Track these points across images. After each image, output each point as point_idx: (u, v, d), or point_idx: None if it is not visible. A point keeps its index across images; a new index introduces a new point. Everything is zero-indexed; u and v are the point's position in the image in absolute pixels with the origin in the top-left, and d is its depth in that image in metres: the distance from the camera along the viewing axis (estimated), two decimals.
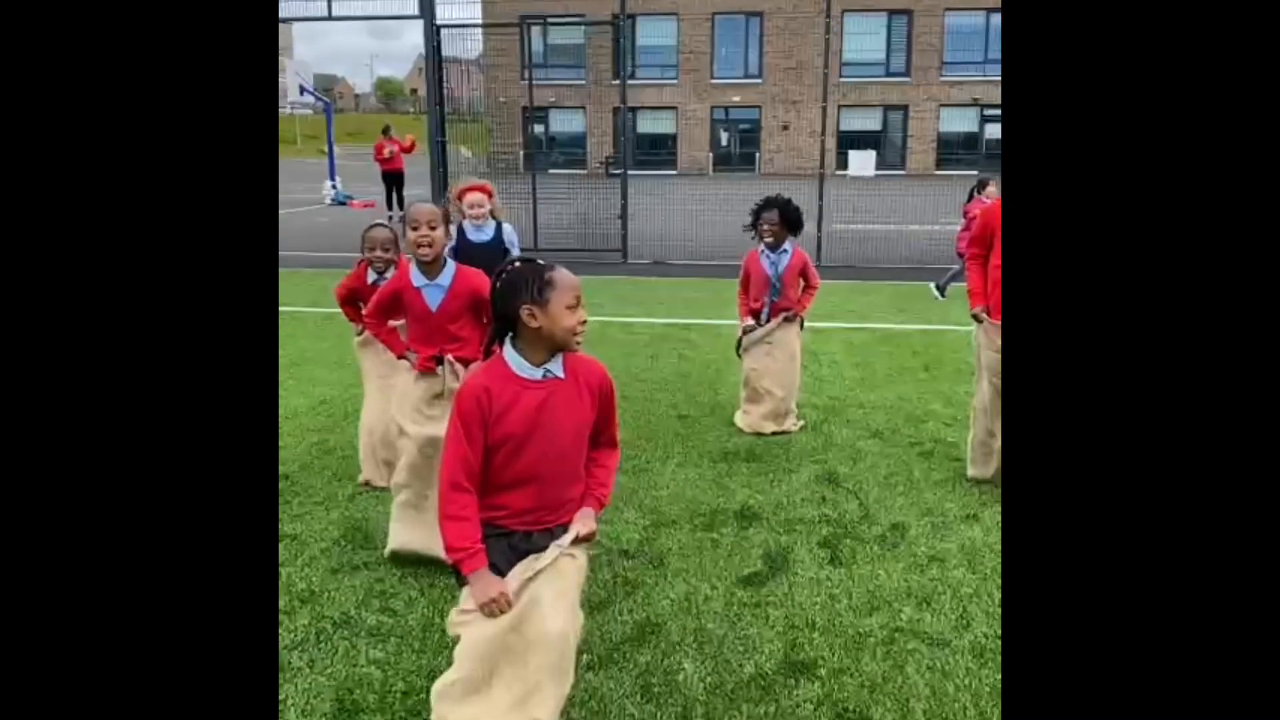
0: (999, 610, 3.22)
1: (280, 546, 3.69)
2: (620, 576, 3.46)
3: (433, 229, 3.40)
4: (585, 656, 2.90)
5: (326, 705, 2.66)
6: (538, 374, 2.19)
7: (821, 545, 3.76)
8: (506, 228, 5.13)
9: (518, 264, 2.21)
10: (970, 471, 4.45)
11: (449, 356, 3.48)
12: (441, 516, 2.15)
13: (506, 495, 2.21)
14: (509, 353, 2.21)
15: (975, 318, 4.35)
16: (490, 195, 5.06)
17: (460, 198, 5.03)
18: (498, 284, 2.19)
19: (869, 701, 2.70)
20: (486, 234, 5.02)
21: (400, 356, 3.66)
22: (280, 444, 4.94)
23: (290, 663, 2.87)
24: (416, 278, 3.47)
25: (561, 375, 2.22)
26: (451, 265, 3.51)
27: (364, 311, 3.94)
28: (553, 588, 2.16)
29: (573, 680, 2.24)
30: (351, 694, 2.71)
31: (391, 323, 3.76)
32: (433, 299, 3.47)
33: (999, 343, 4.06)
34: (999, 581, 3.43)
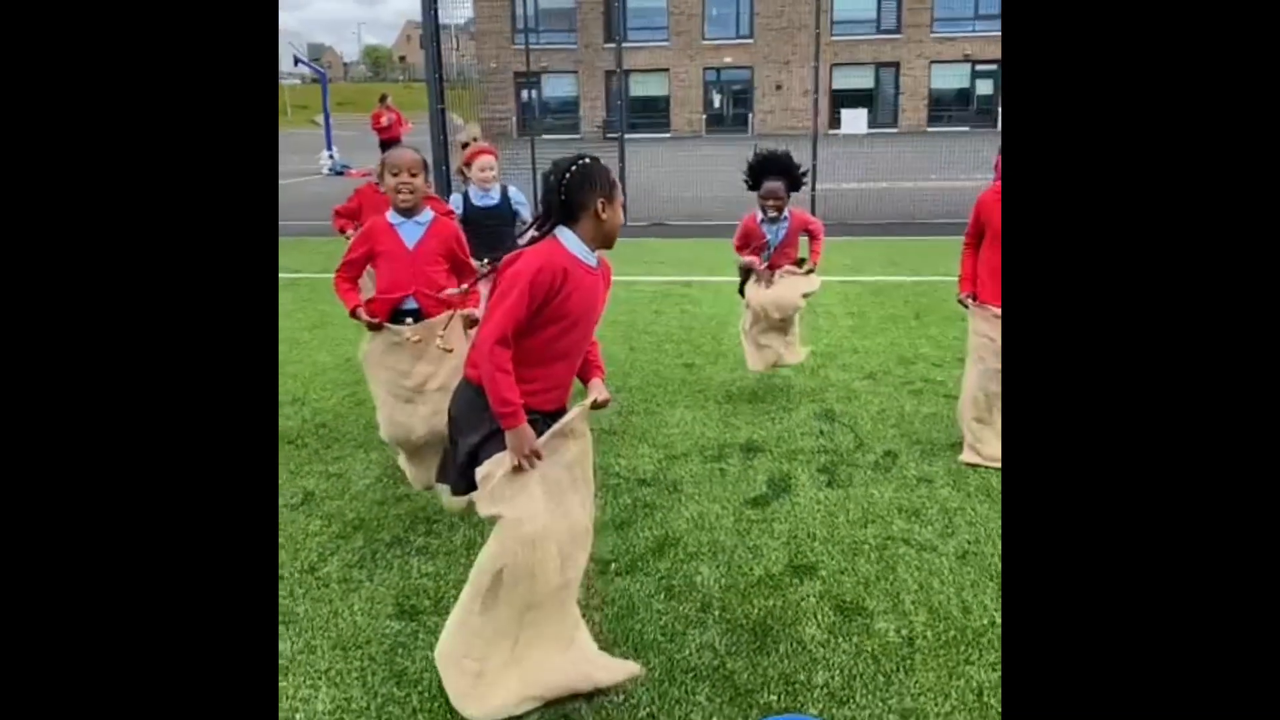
0: (982, 521, 3.60)
1: (327, 484, 4.05)
2: (640, 501, 3.82)
3: (414, 176, 3.38)
4: (613, 565, 3.27)
5: (389, 609, 3.03)
6: (593, 261, 2.42)
7: (820, 471, 4.13)
8: (512, 190, 5.18)
9: (585, 159, 2.38)
10: (963, 456, 4.23)
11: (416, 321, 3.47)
12: (492, 369, 2.26)
13: (542, 370, 2.39)
14: (570, 239, 2.37)
15: (961, 303, 4.36)
16: (497, 158, 5.14)
17: (469, 162, 5.11)
18: (567, 173, 2.33)
19: (864, 595, 3.08)
20: (493, 198, 5.06)
21: (351, 314, 3.53)
22: (314, 396, 5.29)
23: (351, 577, 3.24)
24: (393, 215, 3.46)
25: (596, 265, 2.46)
26: (430, 210, 3.52)
27: (337, 268, 3.64)
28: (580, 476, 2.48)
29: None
30: (410, 600, 3.08)
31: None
32: (410, 235, 3.44)
33: (985, 327, 4.12)
34: (981, 498, 3.81)
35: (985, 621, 2.91)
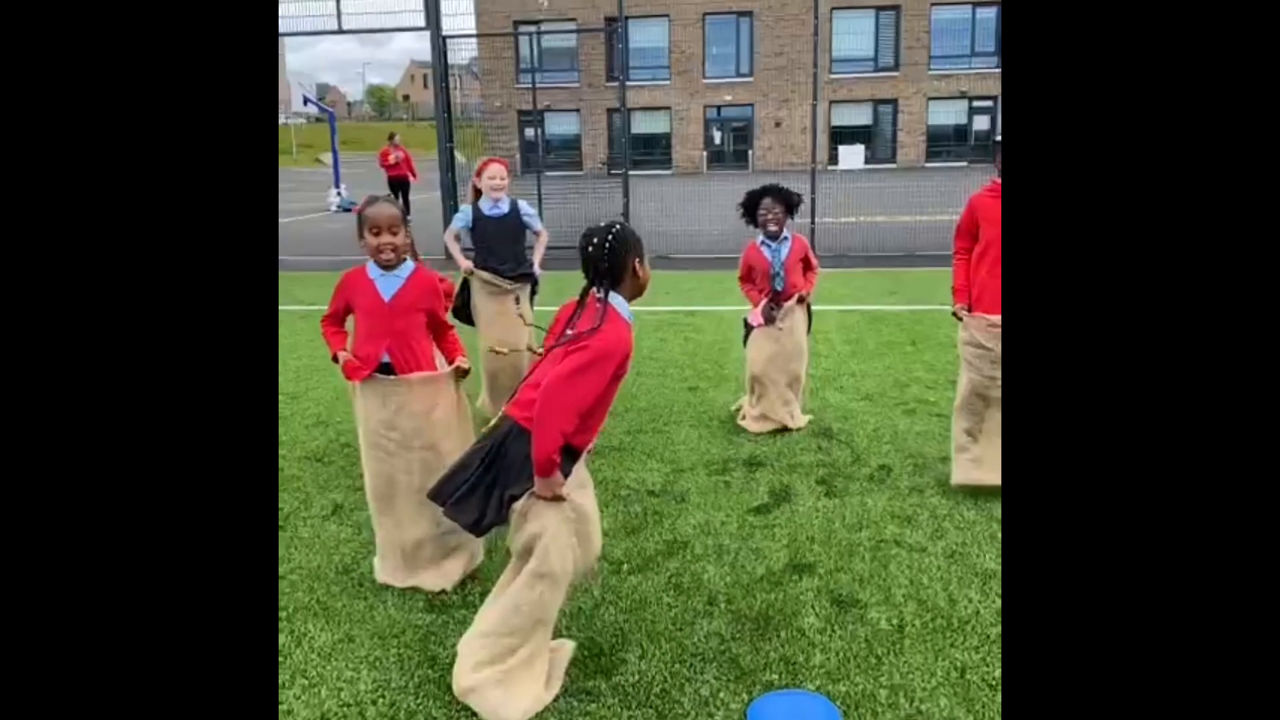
0: (969, 525, 3.85)
1: (355, 496, 4.30)
2: (649, 509, 4.08)
3: (394, 234, 3.23)
4: (624, 565, 3.53)
5: (420, 604, 3.27)
6: (630, 318, 2.65)
7: (819, 483, 4.40)
8: (522, 204, 5.31)
9: (616, 225, 2.60)
10: (954, 479, 4.25)
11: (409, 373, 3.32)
12: (558, 434, 2.42)
13: (595, 421, 2.59)
14: (623, 305, 2.59)
15: (955, 315, 4.27)
16: (509, 170, 5.26)
17: (480, 172, 5.21)
18: (607, 240, 2.55)
19: (859, 590, 3.33)
20: (503, 208, 5.20)
21: (333, 358, 3.42)
22: (337, 418, 5.56)
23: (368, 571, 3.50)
24: (371, 269, 3.31)
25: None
26: (411, 262, 3.37)
27: (322, 318, 3.52)
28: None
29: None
30: (441, 595, 3.33)
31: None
32: (387, 288, 3.30)
33: (979, 336, 4.08)
34: (969, 505, 4.06)
35: (970, 612, 3.16)
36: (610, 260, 2.57)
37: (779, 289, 5.13)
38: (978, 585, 3.34)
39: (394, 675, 2.85)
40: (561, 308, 2.72)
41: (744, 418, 5.30)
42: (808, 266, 5.26)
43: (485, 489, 2.60)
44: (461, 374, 3.41)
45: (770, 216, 5.03)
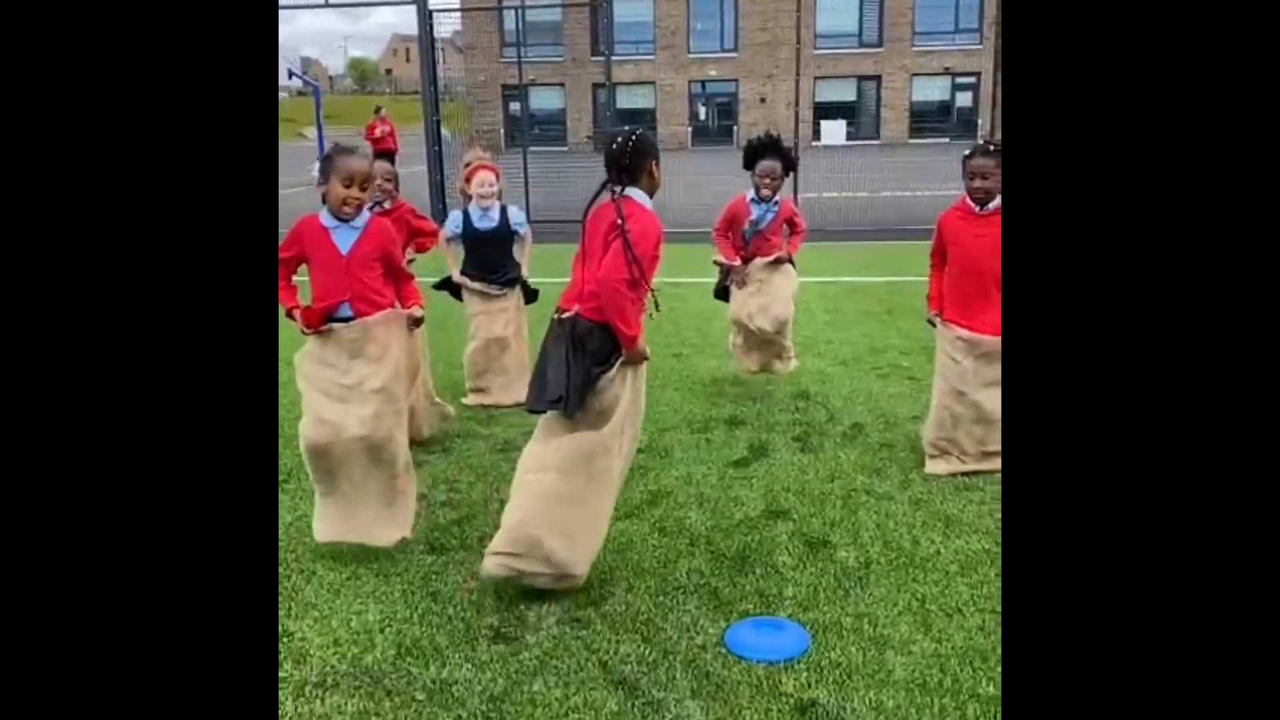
0: (934, 477, 4.11)
1: None
2: (635, 464, 4.24)
3: (363, 190, 3.26)
4: (612, 513, 3.76)
5: (422, 547, 3.50)
6: (651, 208, 3.04)
7: (795, 439, 4.65)
8: (512, 210, 5.25)
9: (639, 129, 3.04)
10: (927, 467, 4.19)
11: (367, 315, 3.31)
12: (624, 304, 2.90)
13: (637, 298, 3.02)
14: (643, 198, 3.03)
15: (930, 322, 4.29)
16: (498, 176, 5.17)
17: (470, 177, 5.12)
18: (630, 141, 2.96)
19: (829, 532, 3.59)
20: (493, 219, 5.12)
21: (287, 314, 3.35)
22: None
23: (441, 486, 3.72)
24: (326, 218, 3.27)
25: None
26: (367, 212, 3.36)
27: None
28: None
29: None
30: (439, 539, 3.56)
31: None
32: (344, 240, 3.26)
33: (949, 348, 4.09)
34: None
35: (931, 551, 3.42)
36: (631, 159, 2.96)
37: (747, 247, 5.14)
38: (940, 529, 3.60)
39: (399, 608, 3.09)
40: (588, 216, 3.10)
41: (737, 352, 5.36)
42: (793, 229, 5.25)
43: (576, 371, 2.94)
44: (415, 322, 3.51)
45: (768, 181, 5.03)
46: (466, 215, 5.18)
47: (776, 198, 5.15)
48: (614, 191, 3.00)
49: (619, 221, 2.92)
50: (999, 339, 3.79)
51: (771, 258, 5.15)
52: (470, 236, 5.17)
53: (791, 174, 5.19)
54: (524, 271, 5.33)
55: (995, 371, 3.89)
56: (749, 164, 5.15)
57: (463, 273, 5.28)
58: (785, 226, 5.26)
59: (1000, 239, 3.59)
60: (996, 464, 4.00)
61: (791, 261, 5.24)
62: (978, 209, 4.02)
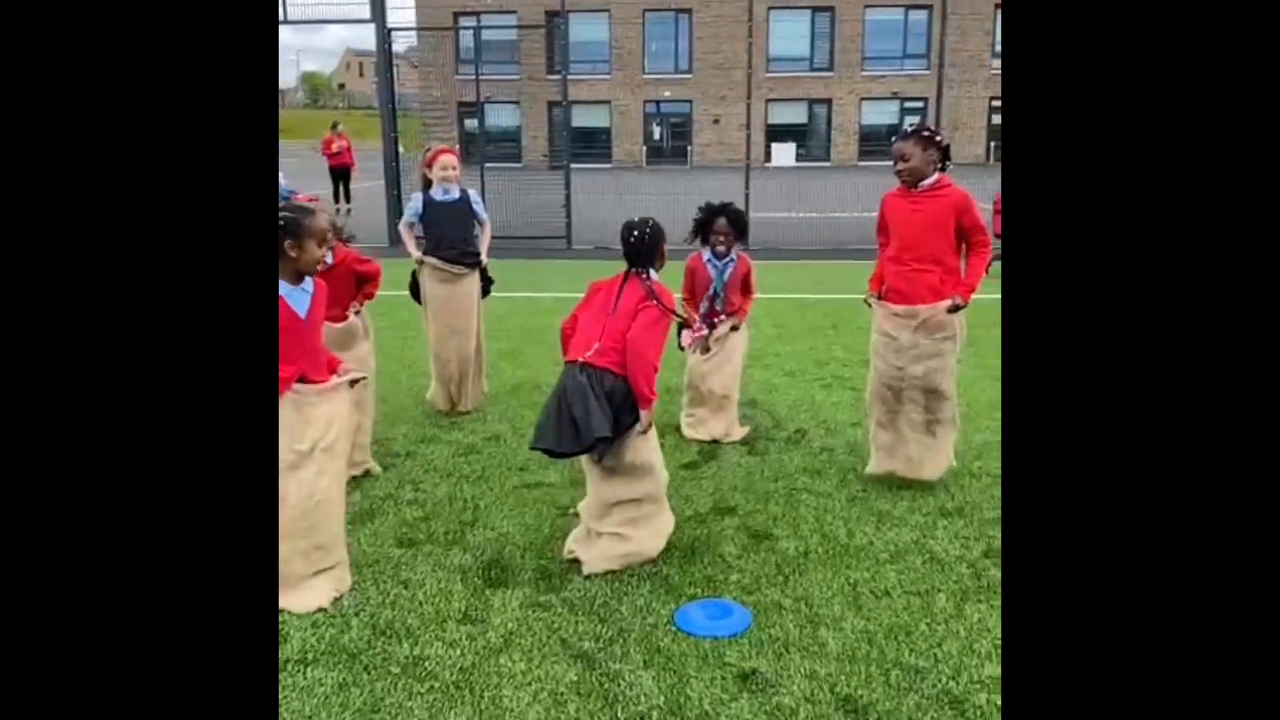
0: (869, 478, 4.42)
1: (382, 425, 4.62)
2: None
3: (332, 247, 3.43)
4: (571, 510, 4.02)
5: (391, 541, 3.73)
6: None
7: (742, 443, 4.95)
8: (471, 192, 5.54)
9: (650, 221, 3.57)
10: (869, 468, 4.39)
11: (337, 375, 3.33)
12: (652, 373, 3.34)
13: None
14: (658, 276, 3.51)
15: (866, 301, 4.35)
16: (459, 158, 5.49)
17: (432, 161, 5.39)
18: (646, 231, 3.51)
19: (772, 526, 3.88)
20: (453, 195, 5.39)
21: None
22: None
23: (355, 520, 3.93)
24: (282, 285, 3.15)
25: None
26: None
27: None
28: None
29: None
30: (407, 534, 3.79)
31: None
32: (299, 304, 3.21)
33: (886, 325, 4.19)
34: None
35: (865, 542, 3.72)
36: (650, 246, 3.51)
37: (719, 308, 5.08)
38: (873, 522, 3.91)
39: (372, 593, 3.31)
40: (592, 285, 3.62)
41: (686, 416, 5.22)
42: (746, 289, 5.18)
43: (584, 421, 3.25)
44: (353, 384, 3.44)
45: (721, 237, 4.96)
46: (427, 196, 5.39)
47: (733, 254, 5.06)
48: (640, 274, 3.50)
49: (648, 297, 3.42)
50: (935, 307, 4.03)
51: (730, 324, 5.08)
52: (430, 211, 5.35)
53: (744, 238, 5.08)
54: (483, 258, 5.52)
55: (933, 344, 4.07)
56: (702, 234, 5.03)
57: (425, 252, 5.40)
58: (741, 284, 5.13)
59: (934, 215, 4.06)
60: (945, 436, 4.22)
61: (737, 328, 5.12)
62: (911, 189, 4.13)
